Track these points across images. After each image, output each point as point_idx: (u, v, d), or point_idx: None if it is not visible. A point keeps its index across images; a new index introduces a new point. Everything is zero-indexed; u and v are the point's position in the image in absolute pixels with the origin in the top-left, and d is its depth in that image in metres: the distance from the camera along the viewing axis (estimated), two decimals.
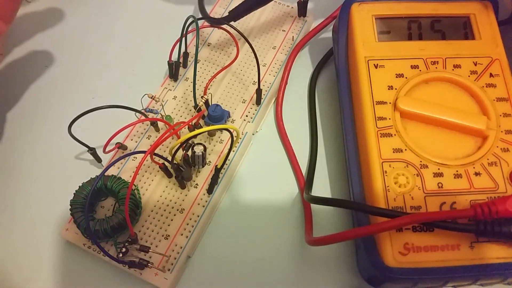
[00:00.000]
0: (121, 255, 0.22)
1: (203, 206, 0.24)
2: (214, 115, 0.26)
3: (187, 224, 0.24)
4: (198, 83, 0.28)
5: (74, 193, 0.24)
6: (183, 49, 0.28)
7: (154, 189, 0.25)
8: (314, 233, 0.24)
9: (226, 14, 0.30)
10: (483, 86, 0.23)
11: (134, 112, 0.25)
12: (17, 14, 0.26)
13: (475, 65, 0.24)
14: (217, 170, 0.25)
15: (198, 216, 0.24)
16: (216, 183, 0.25)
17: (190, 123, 0.25)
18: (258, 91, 0.27)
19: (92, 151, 0.26)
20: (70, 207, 0.23)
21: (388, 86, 0.23)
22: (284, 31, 0.31)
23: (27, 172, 0.27)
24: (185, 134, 0.22)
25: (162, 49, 0.28)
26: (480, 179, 0.21)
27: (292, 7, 0.31)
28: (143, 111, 0.26)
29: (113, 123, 0.25)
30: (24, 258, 0.25)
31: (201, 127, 0.26)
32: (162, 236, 0.24)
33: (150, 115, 0.26)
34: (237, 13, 0.28)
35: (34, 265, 0.25)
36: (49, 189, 0.27)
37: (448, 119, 0.22)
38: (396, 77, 0.24)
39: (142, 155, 0.25)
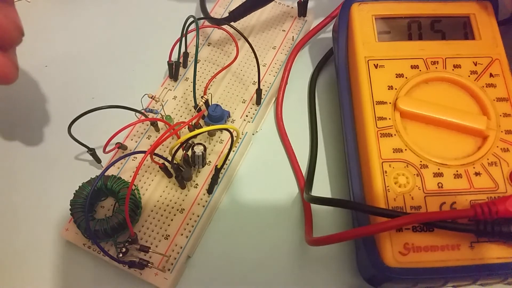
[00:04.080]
0: (121, 255, 0.22)
1: (203, 206, 0.25)
2: (214, 115, 0.26)
3: (187, 224, 0.24)
4: (198, 83, 0.28)
5: (74, 193, 0.24)
6: (183, 49, 0.28)
7: (154, 189, 0.25)
8: (314, 233, 0.24)
9: (226, 13, 0.30)
10: (483, 86, 0.23)
11: (134, 112, 0.25)
12: (17, 14, 0.26)
13: (475, 65, 0.24)
14: (217, 170, 0.25)
15: (198, 216, 0.24)
16: (216, 183, 0.25)
17: (190, 123, 0.25)
18: (258, 91, 0.27)
19: (92, 151, 0.26)
20: (70, 207, 0.23)
21: (388, 86, 0.23)
22: (284, 31, 0.31)
23: (27, 172, 0.27)
24: (185, 134, 0.22)
25: (162, 49, 0.28)
26: (480, 179, 0.21)
27: (292, 7, 0.31)
28: (143, 111, 0.26)
29: (113, 123, 0.25)
30: (24, 258, 0.25)
31: (201, 127, 0.26)
32: (162, 236, 0.24)
33: (150, 115, 0.26)
34: (237, 14, 0.28)
35: (34, 265, 0.25)
36: (49, 189, 0.27)
37: (448, 119, 0.22)
38: (396, 77, 0.24)
39: (142, 155, 0.25)
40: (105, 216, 0.24)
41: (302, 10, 0.31)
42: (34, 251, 0.25)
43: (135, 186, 0.25)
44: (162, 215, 0.24)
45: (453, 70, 0.24)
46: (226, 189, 0.26)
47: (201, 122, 0.27)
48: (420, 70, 0.24)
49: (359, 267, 0.23)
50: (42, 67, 0.31)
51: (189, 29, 0.27)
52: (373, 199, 0.21)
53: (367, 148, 0.22)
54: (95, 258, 0.24)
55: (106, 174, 0.24)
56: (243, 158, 0.27)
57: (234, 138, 0.24)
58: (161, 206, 0.25)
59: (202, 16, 0.31)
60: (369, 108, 0.23)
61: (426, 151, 0.22)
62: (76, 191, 0.24)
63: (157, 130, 0.27)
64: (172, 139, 0.27)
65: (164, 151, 0.26)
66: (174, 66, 0.28)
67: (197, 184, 0.25)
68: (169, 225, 0.24)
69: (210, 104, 0.26)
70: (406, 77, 0.24)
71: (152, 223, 0.24)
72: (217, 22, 0.29)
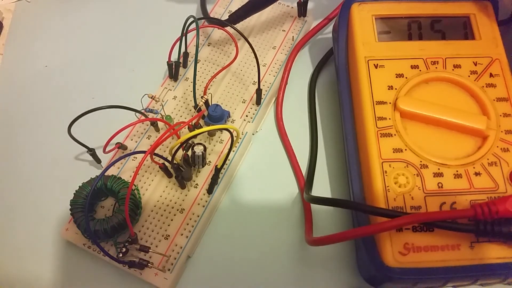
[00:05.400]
0: (121, 255, 0.22)
1: (203, 206, 0.25)
2: (214, 115, 0.26)
3: (187, 224, 0.24)
4: (198, 83, 0.28)
5: (74, 193, 0.24)
6: (183, 49, 0.28)
7: (154, 189, 0.25)
8: (314, 233, 0.24)
9: (226, 14, 0.31)
10: (483, 86, 0.23)
11: (134, 112, 0.25)
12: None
13: (475, 65, 0.24)
14: (217, 170, 0.25)
15: (198, 216, 0.24)
16: (216, 183, 0.25)
17: (190, 123, 0.25)
18: (258, 91, 0.27)
19: (92, 152, 0.26)
20: (70, 207, 0.23)
21: (388, 86, 0.23)
22: (284, 31, 0.31)
23: (27, 172, 0.27)
24: (185, 134, 0.22)
25: (162, 49, 0.28)
26: (480, 179, 0.21)
27: (292, 7, 0.31)
28: (143, 111, 0.26)
29: (113, 123, 0.25)
30: (24, 258, 0.25)
31: (201, 127, 0.26)
32: (162, 236, 0.24)
33: (150, 115, 0.26)
34: (238, 16, 0.29)
35: (34, 265, 0.25)
36: (49, 189, 0.27)
37: (448, 119, 0.22)
38: (396, 77, 0.24)
39: (142, 155, 0.25)
40: (105, 216, 0.24)
41: (302, 10, 0.31)
42: (34, 251, 0.25)
43: (135, 186, 0.25)
44: (162, 215, 0.24)
45: (453, 70, 0.24)
46: (226, 189, 0.26)
47: (201, 122, 0.27)
48: (420, 70, 0.24)
49: (359, 267, 0.23)
50: (42, 67, 0.31)
51: (189, 29, 0.27)
52: (373, 199, 0.21)
53: (367, 148, 0.22)
54: (95, 258, 0.24)
55: (106, 174, 0.24)
56: (243, 158, 0.27)
57: (234, 138, 0.24)
58: (161, 206, 0.25)
59: (202, 16, 0.31)
60: (369, 108, 0.23)
61: (426, 151, 0.22)
62: (76, 191, 0.24)
63: (157, 130, 0.27)
64: (172, 139, 0.27)
65: (164, 151, 0.26)
66: (174, 66, 0.28)
67: (197, 184, 0.25)
68: (169, 225, 0.24)
69: (210, 104, 0.26)
70: (406, 77, 0.24)
71: (152, 223, 0.24)
72: (217, 23, 0.29)
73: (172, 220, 0.24)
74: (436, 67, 0.24)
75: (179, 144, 0.22)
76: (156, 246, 0.23)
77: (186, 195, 0.25)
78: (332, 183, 0.27)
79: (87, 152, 0.26)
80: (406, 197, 0.21)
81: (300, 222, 0.25)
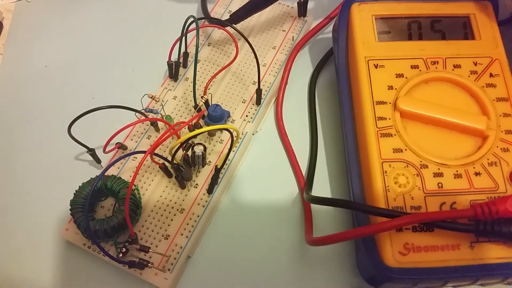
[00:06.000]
0: (121, 255, 0.22)
1: (203, 206, 0.25)
2: (214, 115, 0.26)
3: (187, 224, 0.24)
4: (198, 83, 0.28)
5: (74, 193, 0.24)
6: (183, 49, 0.28)
7: (154, 189, 0.25)
8: (314, 233, 0.24)
9: (226, 13, 0.31)
10: (483, 86, 0.23)
11: (134, 112, 0.25)
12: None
13: (475, 65, 0.24)
14: (217, 170, 0.25)
15: (198, 216, 0.24)
16: (216, 183, 0.25)
17: (190, 123, 0.25)
18: (258, 91, 0.27)
19: (92, 152, 0.26)
20: (70, 207, 0.23)
21: (388, 86, 0.23)
22: (284, 31, 0.31)
23: (27, 172, 0.27)
24: (185, 134, 0.22)
25: (162, 49, 0.28)
26: (480, 179, 0.21)
27: (292, 7, 0.31)
28: (143, 111, 0.26)
29: (113, 123, 0.25)
30: (24, 258, 0.25)
31: (201, 127, 0.26)
32: (162, 236, 0.24)
33: (150, 115, 0.26)
34: (239, 16, 0.29)
35: (34, 265, 0.25)
36: (49, 189, 0.27)
37: (448, 119, 0.22)
38: (396, 77, 0.24)
39: (142, 155, 0.25)
40: (105, 216, 0.24)
41: (302, 10, 0.31)
42: (34, 251, 0.25)
43: (135, 186, 0.25)
44: (162, 215, 0.24)
45: (453, 70, 0.24)
46: (226, 189, 0.26)
47: (201, 122, 0.27)
48: (420, 70, 0.24)
49: (359, 267, 0.23)
50: (42, 67, 0.31)
51: (189, 29, 0.27)
52: (373, 199, 0.21)
53: (367, 148, 0.22)
54: (95, 258, 0.24)
55: (106, 174, 0.24)
56: (243, 158, 0.27)
57: (234, 138, 0.24)
58: (161, 206, 0.25)
59: (202, 16, 0.31)
60: (369, 108, 0.23)
61: (426, 151, 0.22)
62: (76, 191, 0.24)
63: (157, 130, 0.27)
64: (172, 139, 0.27)
65: (164, 151, 0.26)
66: (174, 66, 0.28)
67: (197, 184, 0.25)
68: (169, 225, 0.24)
69: (210, 104, 0.26)
70: (406, 77, 0.24)
71: (152, 223, 0.24)
72: (217, 23, 0.29)
73: (172, 220, 0.24)
74: (436, 67, 0.24)
75: (179, 144, 0.22)
76: (156, 246, 0.23)
77: (186, 195, 0.25)
78: (332, 183, 0.27)
79: (87, 152, 0.26)
80: (406, 197, 0.21)
81: (300, 222, 0.25)
